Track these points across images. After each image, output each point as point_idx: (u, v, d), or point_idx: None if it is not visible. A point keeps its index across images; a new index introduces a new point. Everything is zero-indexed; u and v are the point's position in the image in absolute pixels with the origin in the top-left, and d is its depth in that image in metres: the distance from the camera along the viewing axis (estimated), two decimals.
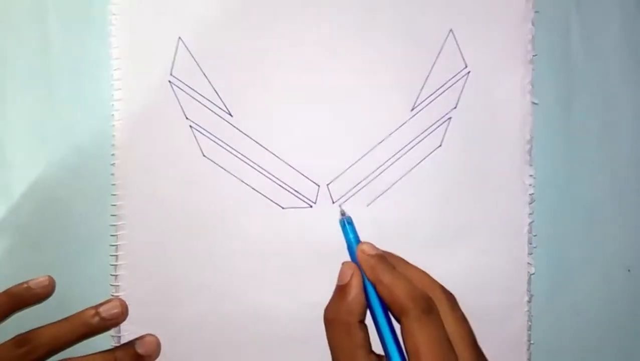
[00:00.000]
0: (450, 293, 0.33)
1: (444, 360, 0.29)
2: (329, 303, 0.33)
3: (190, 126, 0.43)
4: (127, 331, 0.42)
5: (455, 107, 0.45)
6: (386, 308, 0.33)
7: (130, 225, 0.42)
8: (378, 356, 0.33)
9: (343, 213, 0.37)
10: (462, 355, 0.30)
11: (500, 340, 0.46)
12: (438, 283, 0.33)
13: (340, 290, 0.33)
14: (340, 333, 0.32)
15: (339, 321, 0.32)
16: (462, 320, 0.32)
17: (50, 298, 0.43)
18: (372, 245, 0.35)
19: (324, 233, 0.43)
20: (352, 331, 0.32)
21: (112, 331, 0.42)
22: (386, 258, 0.34)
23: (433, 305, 0.31)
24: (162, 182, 0.42)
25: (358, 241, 0.35)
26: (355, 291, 0.32)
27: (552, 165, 0.47)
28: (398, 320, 0.31)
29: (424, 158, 0.45)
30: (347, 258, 0.44)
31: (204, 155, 0.43)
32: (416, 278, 0.33)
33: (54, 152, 0.43)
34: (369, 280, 0.33)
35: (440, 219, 0.45)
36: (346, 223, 0.36)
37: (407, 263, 0.35)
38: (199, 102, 0.43)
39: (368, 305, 0.33)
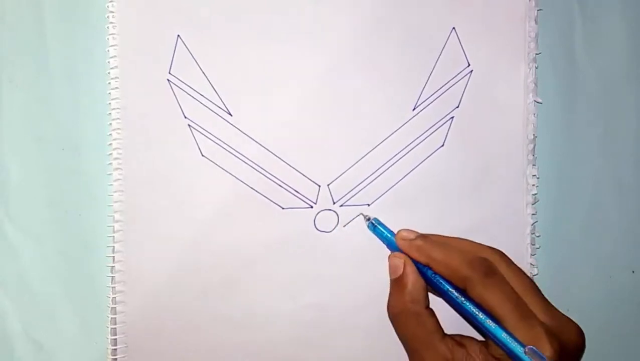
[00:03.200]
0: (500, 251, 0.33)
1: (521, 313, 0.29)
2: (390, 298, 0.33)
3: (189, 125, 0.42)
4: (123, 334, 0.42)
5: (457, 106, 0.45)
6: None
7: (129, 226, 0.42)
8: (451, 336, 0.33)
9: (368, 218, 0.37)
10: (531, 303, 0.31)
11: None
12: (485, 245, 0.33)
13: (397, 283, 0.33)
14: (411, 323, 0.32)
15: (407, 313, 0.32)
16: (520, 271, 0.32)
17: (50, 299, 0.43)
18: (408, 230, 0.35)
19: (325, 234, 0.43)
20: (422, 319, 0.32)
21: (109, 333, 0.42)
22: (428, 237, 0.34)
23: (492, 266, 0.31)
24: (161, 182, 0.42)
25: (394, 234, 0.35)
26: (413, 278, 0.32)
27: (556, 164, 0.47)
28: (464, 290, 0.31)
29: (426, 158, 0.44)
30: (348, 261, 0.44)
31: (202, 155, 0.42)
32: (464, 246, 0.33)
33: (52, 151, 0.43)
34: (421, 262, 0.33)
35: (442, 219, 0.45)
36: (376, 225, 0.37)
37: (447, 237, 0.35)
38: (197, 101, 0.42)
39: (433, 288, 0.33)
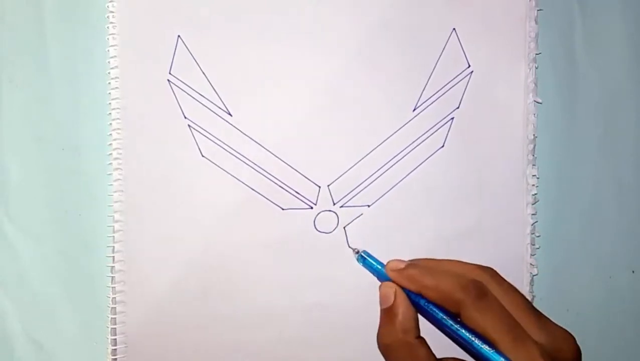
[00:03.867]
0: (491, 269, 0.33)
1: (515, 335, 0.29)
2: (380, 329, 0.32)
3: (189, 125, 0.42)
4: (123, 334, 0.42)
5: (458, 107, 0.45)
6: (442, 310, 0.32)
7: (129, 226, 0.42)
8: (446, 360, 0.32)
9: (357, 251, 0.36)
10: (525, 322, 0.30)
11: None
12: (474, 265, 0.33)
13: (388, 313, 0.32)
14: (403, 354, 0.31)
15: (398, 343, 0.31)
16: (512, 289, 0.32)
17: (50, 299, 0.43)
18: (398, 260, 0.34)
19: (325, 235, 0.43)
20: (414, 350, 0.31)
21: (109, 333, 0.42)
22: (417, 264, 0.33)
23: (484, 288, 0.31)
24: (161, 182, 0.42)
25: (383, 265, 0.35)
26: (404, 307, 0.32)
27: (556, 165, 0.47)
28: (457, 315, 0.31)
29: (427, 159, 0.44)
30: (348, 262, 0.44)
31: (202, 155, 0.42)
32: (455, 269, 0.33)
33: (52, 151, 0.43)
34: (413, 291, 0.32)
35: (442, 220, 0.45)
36: (366, 258, 0.36)
37: (436, 260, 0.34)
38: (198, 101, 0.42)
39: (425, 317, 0.32)
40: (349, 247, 0.38)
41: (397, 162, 0.44)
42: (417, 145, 0.44)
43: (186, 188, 0.42)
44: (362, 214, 0.44)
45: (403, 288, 0.32)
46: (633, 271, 0.48)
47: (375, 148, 0.44)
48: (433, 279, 0.31)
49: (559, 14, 0.47)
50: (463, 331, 0.31)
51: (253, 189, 0.43)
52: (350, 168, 0.44)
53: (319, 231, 0.43)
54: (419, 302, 0.32)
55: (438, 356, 0.32)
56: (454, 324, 0.31)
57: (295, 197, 0.43)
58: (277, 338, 0.43)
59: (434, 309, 0.32)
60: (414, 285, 0.32)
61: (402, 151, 0.44)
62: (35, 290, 0.43)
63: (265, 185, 0.43)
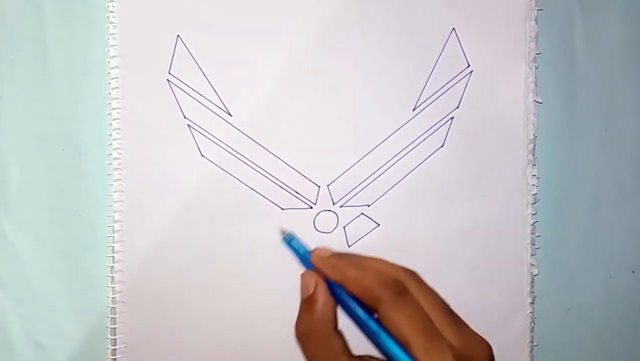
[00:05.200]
0: (413, 271, 0.33)
1: (429, 335, 0.29)
2: (299, 318, 0.33)
3: (189, 125, 0.42)
4: (124, 334, 0.42)
5: (457, 107, 0.45)
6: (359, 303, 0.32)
7: (129, 226, 0.42)
8: (359, 357, 0.32)
9: (284, 232, 0.36)
10: (441, 325, 0.30)
11: (503, 341, 0.45)
12: (399, 266, 0.33)
13: (308, 302, 0.32)
14: (319, 345, 0.32)
15: (315, 334, 0.32)
16: (431, 292, 0.32)
17: (50, 299, 0.43)
18: (325, 248, 0.34)
19: (325, 235, 0.43)
20: (330, 340, 0.31)
21: (109, 333, 0.42)
22: (344, 255, 0.33)
23: (404, 286, 0.31)
24: (161, 182, 0.42)
25: (309, 252, 0.34)
26: (323, 298, 0.32)
27: (556, 164, 0.47)
28: (373, 310, 0.31)
29: (426, 159, 0.44)
30: None
31: (202, 155, 0.42)
32: (379, 266, 0.33)
33: (52, 151, 0.43)
34: (334, 280, 0.32)
35: (442, 220, 0.45)
36: (291, 240, 0.35)
37: (362, 256, 0.34)
38: (197, 101, 0.42)
39: (342, 307, 0.33)
40: (279, 229, 0.37)
41: (396, 161, 0.44)
42: (417, 145, 0.44)
43: (186, 188, 0.42)
44: (361, 214, 0.44)
45: (325, 279, 0.32)
46: (633, 272, 0.48)
47: (375, 148, 0.44)
48: (356, 271, 0.31)
49: (559, 14, 0.47)
50: (372, 322, 0.31)
51: (253, 189, 0.43)
52: (350, 168, 0.44)
53: (318, 231, 0.43)
54: (338, 294, 0.32)
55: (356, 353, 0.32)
56: (365, 314, 0.31)
57: (295, 196, 0.43)
58: (277, 338, 0.43)
59: (349, 298, 0.32)
60: (337, 275, 0.32)
61: (401, 151, 0.44)
62: (35, 290, 0.43)
63: (264, 185, 0.43)
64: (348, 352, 0.32)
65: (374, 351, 0.31)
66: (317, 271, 0.33)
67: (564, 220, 0.47)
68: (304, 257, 0.34)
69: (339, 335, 0.32)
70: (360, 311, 0.31)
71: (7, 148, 0.43)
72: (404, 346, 0.29)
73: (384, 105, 0.44)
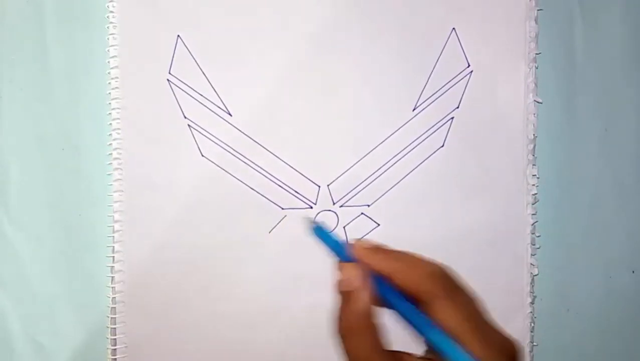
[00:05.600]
0: (450, 268, 0.32)
1: (482, 330, 0.29)
2: (341, 312, 0.31)
3: (189, 125, 0.42)
4: (124, 334, 0.42)
5: (457, 107, 0.45)
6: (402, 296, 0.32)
7: (128, 226, 0.42)
8: (395, 353, 0.32)
9: (312, 221, 0.34)
10: (483, 323, 0.30)
11: None
12: (437, 262, 0.32)
13: (349, 295, 0.31)
14: (362, 339, 0.31)
15: (359, 328, 0.30)
16: (470, 291, 0.32)
17: (50, 299, 0.43)
18: (366, 240, 0.33)
19: None
20: (373, 334, 0.30)
21: (109, 333, 0.42)
22: (385, 248, 0.32)
23: (454, 283, 0.31)
24: (161, 182, 0.42)
25: (340, 242, 0.33)
26: (369, 291, 0.31)
27: (556, 165, 0.47)
28: (422, 305, 0.30)
29: (426, 159, 0.44)
30: None
31: (202, 155, 0.42)
32: (422, 262, 0.32)
33: (52, 151, 0.43)
34: (381, 273, 0.31)
35: (442, 220, 0.45)
36: (321, 230, 0.34)
37: (401, 251, 0.33)
38: (197, 101, 0.42)
39: (386, 300, 0.32)
40: (307, 217, 0.35)
41: (396, 161, 0.44)
42: (417, 145, 0.44)
43: (186, 188, 0.42)
44: (361, 214, 0.44)
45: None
46: (633, 272, 0.48)
47: (375, 147, 0.44)
48: (403, 265, 0.31)
49: (559, 14, 0.47)
50: (426, 319, 0.30)
51: (253, 189, 0.43)
52: (350, 167, 0.44)
53: None
54: (382, 287, 0.31)
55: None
56: (419, 312, 0.30)
57: (295, 196, 0.43)
58: (277, 338, 0.43)
59: (399, 295, 0.31)
60: (386, 268, 0.31)
61: (402, 151, 0.44)
62: (35, 290, 0.43)
63: (265, 185, 0.43)
64: (387, 345, 0.31)
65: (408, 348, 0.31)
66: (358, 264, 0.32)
67: (564, 220, 0.47)
68: (339, 247, 0.33)
69: (381, 328, 0.32)
70: (408, 305, 0.31)
71: (7, 148, 0.43)
72: (457, 341, 0.29)
73: (384, 105, 0.44)
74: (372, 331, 0.30)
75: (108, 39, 0.41)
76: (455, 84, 0.44)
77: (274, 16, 0.43)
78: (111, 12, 0.41)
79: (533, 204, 0.45)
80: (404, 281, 0.30)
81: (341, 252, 0.33)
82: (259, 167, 0.43)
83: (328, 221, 0.44)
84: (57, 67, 0.43)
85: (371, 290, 0.31)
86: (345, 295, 0.31)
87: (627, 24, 0.48)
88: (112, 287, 0.42)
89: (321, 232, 0.33)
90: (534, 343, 0.46)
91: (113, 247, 0.42)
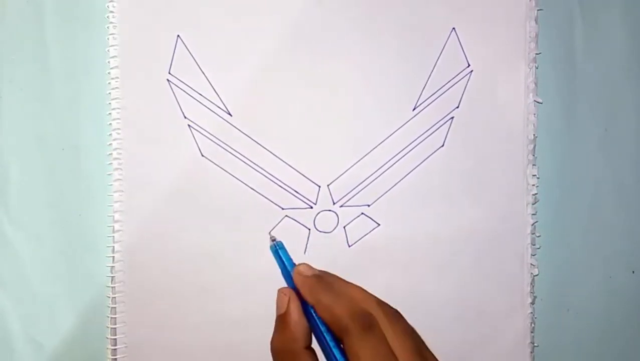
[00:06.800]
0: (392, 308, 0.33)
1: None
2: (274, 334, 0.33)
3: (189, 125, 0.42)
4: (124, 334, 0.42)
5: (457, 107, 0.45)
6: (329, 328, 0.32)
7: (128, 226, 0.42)
8: None
9: (274, 239, 0.35)
10: None
11: (503, 341, 0.45)
12: (377, 299, 0.33)
13: (282, 319, 0.33)
14: None
15: (286, 351, 0.32)
16: (404, 333, 0.32)
17: (50, 299, 0.43)
18: (308, 265, 0.34)
19: (325, 235, 0.43)
20: (301, 359, 0.31)
21: (109, 333, 0.42)
22: (324, 278, 0.33)
23: (373, 321, 0.31)
24: (161, 182, 0.42)
25: (293, 265, 0.34)
26: (295, 318, 0.32)
27: (556, 164, 0.47)
28: (340, 340, 0.31)
29: (426, 159, 0.44)
30: (348, 262, 0.44)
31: (202, 155, 0.42)
32: (355, 296, 0.32)
33: (52, 151, 0.43)
34: (308, 302, 0.32)
35: (442, 220, 0.45)
36: (278, 249, 0.35)
37: (345, 281, 0.34)
38: (197, 101, 0.42)
39: (312, 328, 0.32)
40: (269, 233, 0.36)
41: (396, 161, 0.44)
42: (417, 145, 0.44)
43: (186, 188, 0.42)
44: (362, 214, 0.44)
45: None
46: (633, 272, 0.48)
47: (375, 147, 0.44)
48: (329, 297, 0.31)
49: (559, 14, 0.47)
50: (337, 351, 0.30)
51: (253, 189, 0.43)
52: (350, 167, 0.43)
53: (318, 231, 0.43)
54: (310, 316, 0.32)
55: None
56: (331, 340, 0.31)
57: (295, 196, 0.43)
58: None
59: (322, 327, 0.31)
60: (311, 298, 0.32)
61: (402, 151, 0.44)
62: (35, 290, 0.43)
63: (265, 185, 0.43)
64: None
65: None
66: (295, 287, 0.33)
67: (564, 220, 0.47)
68: (286, 270, 0.34)
69: (310, 354, 0.32)
70: (327, 338, 0.31)
71: (7, 148, 0.43)
72: None
73: (384, 105, 0.44)
74: (300, 355, 0.31)
75: (108, 39, 0.41)
76: (455, 84, 0.44)
77: (274, 16, 0.43)
78: (111, 12, 0.41)
79: (533, 204, 0.45)
80: (325, 314, 0.31)
81: (287, 274, 0.34)
82: (259, 167, 0.43)
83: (328, 221, 0.43)
84: (57, 67, 0.43)
85: (299, 316, 0.32)
86: (278, 318, 0.33)
87: (627, 24, 0.48)
88: (112, 287, 0.42)
89: (276, 252, 0.34)
90: (535, 344, 0.46)
91: (113, 246, 0.42)
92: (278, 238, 0.35)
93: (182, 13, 0.42)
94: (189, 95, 0.42)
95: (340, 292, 0.32)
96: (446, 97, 0.44)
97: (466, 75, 0.45)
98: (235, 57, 0.42)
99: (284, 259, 0.34)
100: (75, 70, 0.43)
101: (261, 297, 0.43)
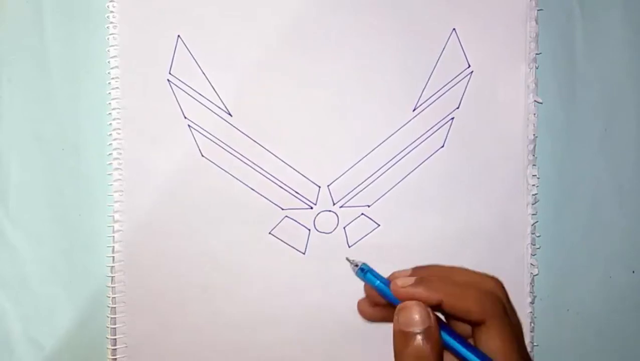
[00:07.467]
0: (500, 283, 0.31)
1: (520, 352, 0.29)
2: (404, 356, 0.28)
3: (189, 125, 0.42)
4: (124, 334, 0.42)
5: (458, 107, 0.45)
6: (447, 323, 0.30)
7: (128, 226, 0.42)
8: None
9: (356, 264, 0.32)
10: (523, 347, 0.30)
11: None
12: (483, 274, 0.31)
13: (414, 336, 0.28)
14: None
15: None
16: (513, 310, 0.31)
17: (50, 299, 0.43)
18: (403, 274, 0.31)
19: (325, 235, 0.43)
20: None
21: (109, 333, 0.42)
22: (427, 277, 0.30)
23: (504, 306, 0.29)
24: (161, 182, 0.42)
25: (385, 281, 0.31)
26: (437, 330, 0.28)
27: (556, 165, 0.47)
28: (472, 327, 0.29)
29: (427, 159, 0.44)
30: (348, 262, 0.44)
31: (202, 155, 0.42)
32: (473, 280, 0.30)
33: (52, 151, 0.43)
34: (429, 305, 0.29)
35: (442, 220, 0.45)
36: (367, 271, 0.32)
37: (443, 267, 0.32)
38: (197, 101, 0.42)
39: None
40: (347, 259, 0.34)
41: (397, 162, 0.44)
42: (417, 145, 0.44)
43: (186, 188, 0.42)
44: (362, 214, 0.44)
45: None
46: (633, 272, 0.48)
47: (375, 148, 0.44)
48: (455, 289, 0.29)
49: (559, 14, 0.47)
50: (466, 349, 0.29)
51: (253, 189, 0.43)
52: (350, 168, 0.43)
53: (319, 231, 0.43)
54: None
55: None
56: (456, 337, 0.29)
57: (295, 197, 0.43)
58: (276, 339, 0.43)
59: (455, 336, 0.30)
60: (435, 295, 0.29)
61: (402, 151, 0.44)
62: (35, 290, 0.43)
63: (265, 185, 0.43)
64: None
65: None
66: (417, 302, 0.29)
67: (564, 220, 0.47)
68: (384, 288, 0.31)
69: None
70: (454, 337, 0.29)
71: (7, 148, 0.43)
72: None
73: (384, 106, 0.44)
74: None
75: (108, 39, 0.41)
76: (455, 84, 0.44)
77: (274, 17, 0.42)
78: (111, 12, 0.41)
79: (533, 204, 0.45)
80: (457, 306, 0.29)
81: (383, 289, 0.31)
82: (259, 167, 0.43)
83: (328, 221, 0.43)
84: (57, 67, 0.43)
85: (438, 329, 0.29)
86: (409, 336, 0.28)
87: (627, 24, 0.47)
88: (112, 287, 0.42)
89: (367, 275, 0.32)
90: (534, 344, 0.46)
91: (113, 246, 0.42)
92: (355, 259, 0.33)
93: (182, 13, 0.42)
94: (189, 95, 0.42)
95: (453, 282, 0.30)
96: (446, 98, 0.44)
97: (466, 75, 0.45)
98: (235, 57, 0.42)
99: (377, 279, 0.31)
100: (75, 70, 0.43)
101: (262, 297, 0.43)
